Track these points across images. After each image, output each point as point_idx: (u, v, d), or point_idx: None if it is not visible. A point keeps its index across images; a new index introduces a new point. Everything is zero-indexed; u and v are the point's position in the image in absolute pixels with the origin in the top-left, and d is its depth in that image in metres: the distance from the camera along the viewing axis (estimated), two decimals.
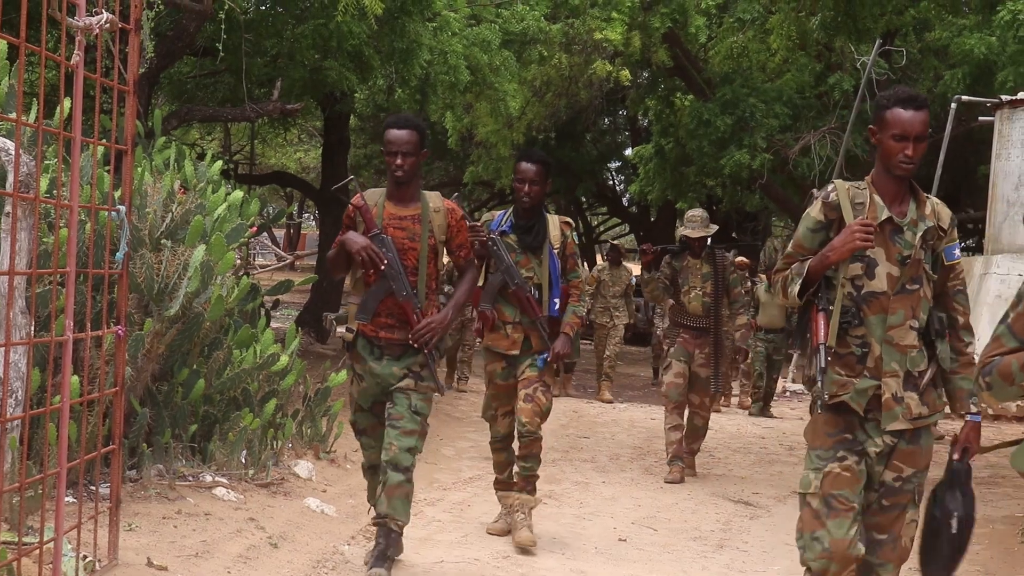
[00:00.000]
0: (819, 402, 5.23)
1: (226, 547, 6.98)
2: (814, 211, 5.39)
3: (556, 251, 8.21)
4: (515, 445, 8.56)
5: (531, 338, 8.18)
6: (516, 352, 8.22)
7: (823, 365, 5.17)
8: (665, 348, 11.93)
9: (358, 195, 6.95)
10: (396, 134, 6.87)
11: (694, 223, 11.60)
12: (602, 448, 13.06)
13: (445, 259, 7.78)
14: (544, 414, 8.17)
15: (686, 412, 11.66)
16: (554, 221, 8.34)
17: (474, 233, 7.81)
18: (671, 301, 11.66)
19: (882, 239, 5.27)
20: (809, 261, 5.30)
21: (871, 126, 5.37)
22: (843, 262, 5.25)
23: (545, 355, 8.15)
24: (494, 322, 8.20)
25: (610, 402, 17.98)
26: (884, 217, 5.29)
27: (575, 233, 8.52)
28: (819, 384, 5.15)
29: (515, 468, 8.61)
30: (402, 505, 6.94)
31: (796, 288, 5.30)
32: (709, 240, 11.92)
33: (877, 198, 5.32)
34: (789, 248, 5.49)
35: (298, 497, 8.56)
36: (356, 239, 6.83)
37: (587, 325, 17.50)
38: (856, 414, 5.29)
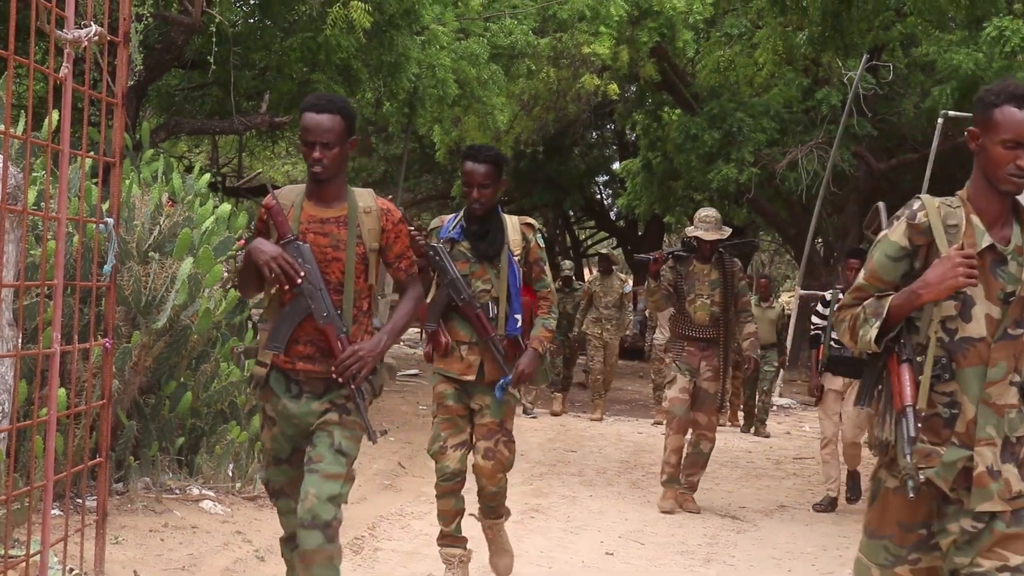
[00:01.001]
0: (910, 483, 4.16)
1: (213, 560, 6.97)
2: (895, 235, 4.34)
3: (517, 258, 7.04)
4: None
5: (485, 362, 7.00)
6: (471, 378, 7.02)
7: (912, 434, 4.13)
8: (668, 361, 10.96)
9: (269, 195, 5.55)
10: (314, 119, 5.31)
11: (707, 224, 10.54)
12: (589, 462, 13.06)
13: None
14: (507, 468, 7.20)
15: (688, 434, 10.68)
16: (513, 224, 7.15)
17: (413, 241, 6.44)
18: (670, 310, 10.74)
19: (982, 272, 4.20)
20: (890, 299, 4.27)
21: (970, 128, 4.35)
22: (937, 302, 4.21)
23: (504, 380, 6.96)
24: (447, 346, 7.02)
25: (599, 420, 17.22)
26: (985, 244, 4.23)
27: (540, 235, 7.18)
28: (907, 458, 4.13)
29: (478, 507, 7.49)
30: None
31: (872, 332, 4.27)
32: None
33: (975, 219, 4.26)
34: (860, 279, 4.43)
35: None
36: (264, 248, 5.35)
37: (579, 339, 17.57)
38: (937, 494, 4.26)
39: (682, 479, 10.73)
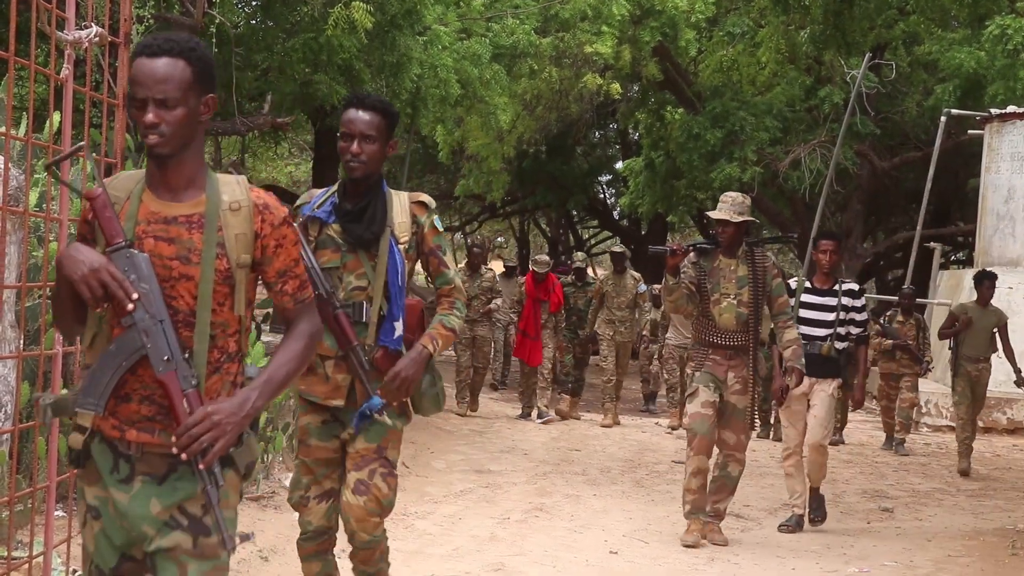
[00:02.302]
0: None
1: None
2: None
3: (403, 247, 5.38)
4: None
5: (358, 382, 5.33)
6: (340, 402, 5.38)
7: None
8: (690, 371, 9.45)
9: (96, 183, 3.86)
10: (147, 66, 3.64)
11: (722, 203, 9.11)
12: (593, 461, 13.06)
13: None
14: (385, 509, 5.40)
15: (714, 456, 9.33)
16: (401, 202, 5.47)
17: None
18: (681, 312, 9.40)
19: None
20: None
21: None
22: None
23: (370, 404, 5.24)
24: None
25: (609, 427, 16.26)
26: None
27: (436, 217, 5.50)
28: None
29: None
30: None
31: None
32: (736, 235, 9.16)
33: None
34: None
35: (289, 510, 8.50)
36: (81, 258, 3.63)
37: (591, 340, 17.03)
38: None
39: (708, 507, 9.24)
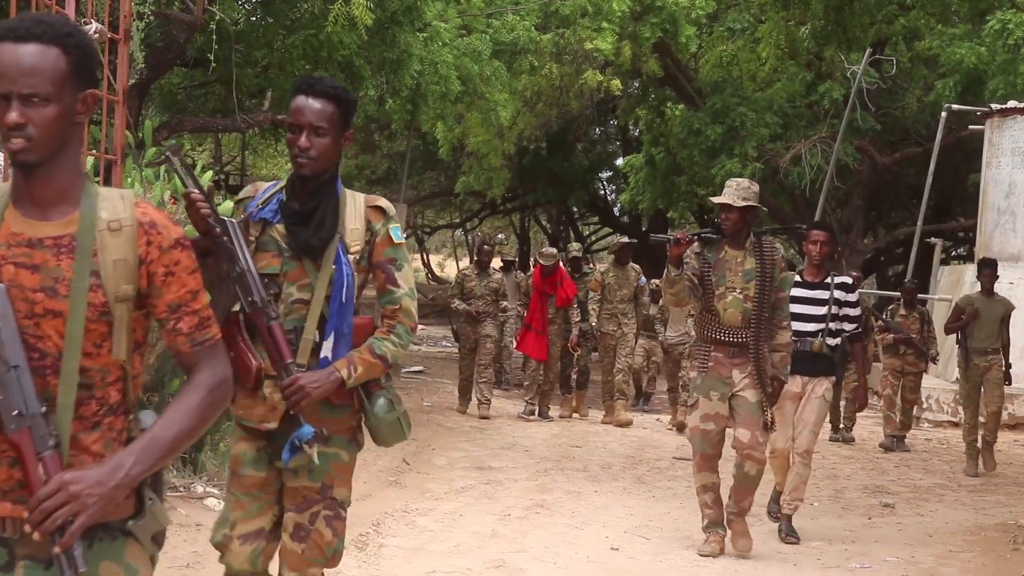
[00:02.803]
0: None
1: (217, 558, 6.95)
2: None
3: (354, 257, 4.65)
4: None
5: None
6: (273, 424, 4.63)
7: None
8: (693, 375, 8.74)
9: None
10: (12, 53, 2.89)
11: (726, 188, 8.52)
12: (594, 457, 13.05)
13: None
14: (330, 558, 4.70)
15: (719, 460, 8.80)
16: (356, 205, 4.73)
17: (192, 209, 4.48)
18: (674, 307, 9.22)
19: None
20: None
21: None
22: None
23: (303, 432, 4.43)
24: (259, 374, 4.50)
25: (628, 424, 15.72)
26: None
27: (395, 227, 4.73)
28: None
29: None
30: None
31: None
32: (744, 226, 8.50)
33: None
34: None
35: None
36: None
37: (594, 337, 16.31)
38: None
39: (728, 508, 8.79)
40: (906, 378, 14.99)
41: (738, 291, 8.38)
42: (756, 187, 8.63)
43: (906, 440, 14.93)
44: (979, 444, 13.04)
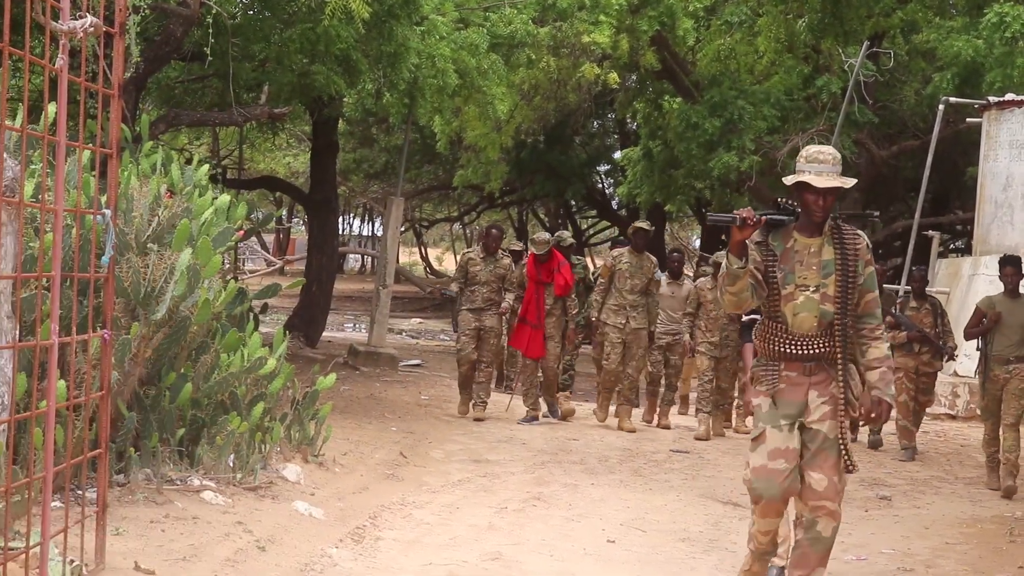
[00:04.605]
0: None
1: (214, 551, 6.97)
2: None
3: None
4: None
5: None
6: None
7: None
8: (753, 402, 6.86)
9: None
10: None
11: (823, 164, 6.49)
12: (591, 450, 13.05)
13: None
14: None
15: (790, 514, 7.12)
16: None
17: None
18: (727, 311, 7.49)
19: None
20: None
21: None
22: None
23: None
24: None
25: (632, 431, 14.48)
26: None
27: None
28: None
29: None
30: None
31: None
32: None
33: None
34: None
35: (286, 500, 8.55)
36: None
37: (586, 326, 15.47)
38: None
39: None
40: (920, 379, 13.71)
41: (813, 289, 6.55)
42: (839, 154, 6.69)
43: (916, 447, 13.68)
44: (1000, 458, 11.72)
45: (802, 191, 6.50)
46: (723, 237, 29.43)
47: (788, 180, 6.57)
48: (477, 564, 7.74)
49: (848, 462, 6.57)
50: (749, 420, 15.85)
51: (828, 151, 6.57)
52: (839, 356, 6.56)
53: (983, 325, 11.82)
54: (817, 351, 6.56)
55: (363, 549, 7.87)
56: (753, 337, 6.86)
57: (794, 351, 6.58)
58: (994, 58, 19.62)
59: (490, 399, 15.21)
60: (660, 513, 9.93)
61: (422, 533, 8.55)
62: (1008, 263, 12.05)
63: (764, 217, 6.50)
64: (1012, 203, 18.14)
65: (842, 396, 6.53)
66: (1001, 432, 11.68)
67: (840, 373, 6.56)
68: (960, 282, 17.97)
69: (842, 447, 6.56)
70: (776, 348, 6.62)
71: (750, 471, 6.67)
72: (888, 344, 6.79)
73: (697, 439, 14.08)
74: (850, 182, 6.48)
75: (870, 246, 6.68)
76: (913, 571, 8.36)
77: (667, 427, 15.03)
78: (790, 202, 6.62)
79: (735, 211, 6.40)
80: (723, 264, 6.54)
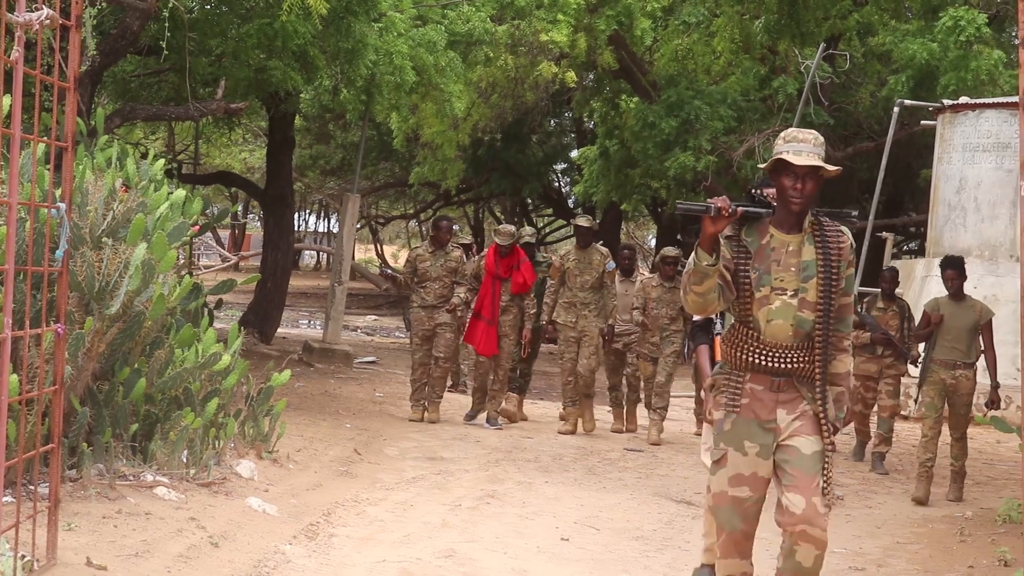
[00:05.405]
0: None
1: (166, 546, 6.94)
2: None
3: None
4: None
5: None
6: None
7: None
8: (712, 416, 5.96)
9: None
10: None
11: (798, 143, 5.65)
12: (545, 448, 13.07)
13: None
14: None
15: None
16: None
17: None
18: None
19: None
20: None
21: None
22: None
23: None
24: None
25: (571, 432, 14.16)
26: None
27: None
28: None
29: None
30: None
31: None
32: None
33: None
34: None
35: (240, 497, 8.53)
36: None
37: (544, 334, 14.93)
38: None
39: None
40: (883, 382, 13.20)
41: (791, 293, 5.70)
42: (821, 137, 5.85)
43: (884, 461, 12.94)
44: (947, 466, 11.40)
45: (779, 176, 5.68)
46: (678, 236, 29.56)
47: (764, 165, 5.75)
48: (431, 561, 7.74)
49: (827, 491, 5.68)
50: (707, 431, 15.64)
51: (809, 132, 5.75)
52: (817, 373, 5.72)
53: (929, 328, 11.46)
54: (790, 365, 5.70)
55: (317, 546, 7.86)
56: (721, 340, 5.96)
57: (764, 363, 5.72)
58: (948, 61, 19.78)
59: (442, 398, 14.58)
60: (614, 511, 9.95)
61: (376, 530, 8.54)
62: (950, 265, 11.60)
63: (740, 208, 5.65)
64: (965, 205, 18.27)
65: (822, 414, 5.71)
66: (949, 441, 11.33)
67: (817, 393, 5.72)
68: (913, 284, 18.08)
69: (824, 472, 5.68)
70: (743, 357, 5.76)
71: (711, 497, 5.96)
72: (851, 358, 5.96)
73: (651, 443, 13.80)
74: (832, 168, 5.66)
75: (853, 246, 5.87)
76: (864, 570, 8.42)
77: (633, 430, 14.64)
78: (764, 193, 5.86)
79: (709, 200, 5.53)
80: (690, 260, 5.61)
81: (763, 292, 5.69)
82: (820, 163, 5.60)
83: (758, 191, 5.86)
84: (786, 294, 5.68)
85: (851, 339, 5.94)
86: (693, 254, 5.56)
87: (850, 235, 5.84)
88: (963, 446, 11.35)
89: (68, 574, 6.04)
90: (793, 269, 5.69)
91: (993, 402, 11.21)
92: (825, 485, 5.67)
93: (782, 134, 5.79)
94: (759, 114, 23.61)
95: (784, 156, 5.59)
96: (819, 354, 5.69)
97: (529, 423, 14.92)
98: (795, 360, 5.69)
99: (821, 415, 5.70)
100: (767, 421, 5.73)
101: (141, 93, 17.04)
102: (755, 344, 5.71)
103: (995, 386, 11.20)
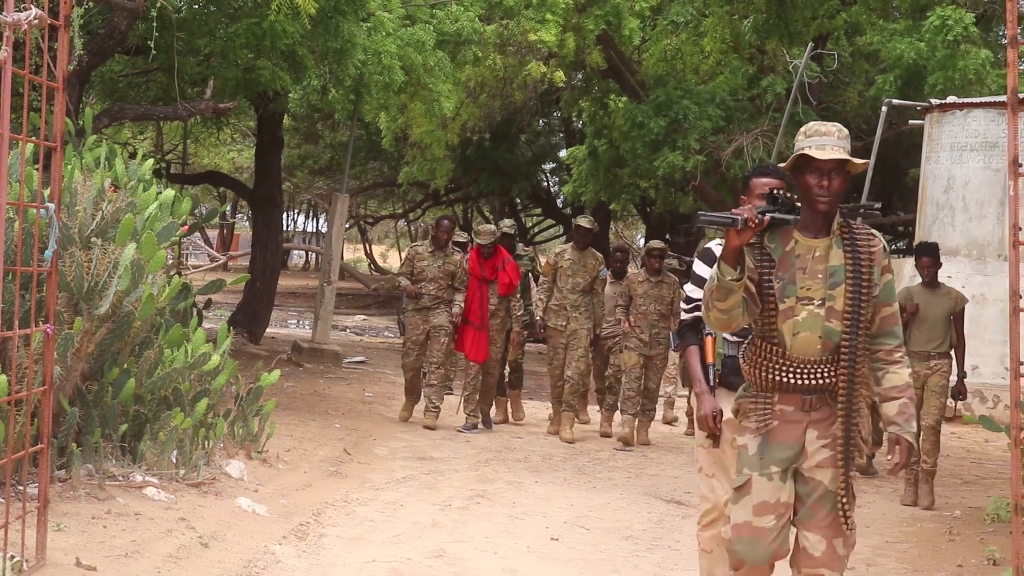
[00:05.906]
0: None
1: (156, 547, 6.94)
2: None
3: None
4: None
5: None
6: None
7: None
8: (735, 442, 5.59)
9: None
10: None
11: (821, 136, 5.21)
12: (535, 448, 13.07)
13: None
14: None
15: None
16: None
17: None
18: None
19: None
20: None
21: None
22: None
23: None
24: None
25: (572, 441, 13.60)
26: None
27: None
28: None
29: None
30: None
31: None
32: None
33: None
34: None
35: (229, 497, 8.52)
36: None
37: (535, 329, 14.38)
38: None
39: None
40: None
41: (818, 303, 5.23)
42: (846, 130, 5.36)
43: (874, 461, 12.60)
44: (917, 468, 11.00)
45: (802, 174, 5.21)
46: (667, 236, 29.57)
47: (786, 164, 5.28)
48: (421, 561, 7.75)
49: (846, 523, 5.27)
50: (679, 414, 15.52)
51: (833, 124, 5.30)
52: (846, 387, 5.24)
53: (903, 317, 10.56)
54: (820, 380, 5.24)
55: (306, 546, 7.86)
56: (741, 360, 5.46)
57: (792, 380, 5.26)
58: (936, 61, 19.79)
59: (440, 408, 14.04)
60: (603, 511, 9.96)
61: (366, 530, 8.54)
62: (925, 252, 11.29)
63: (768, 216, 5.15)
64: (953, 205, 18.30)
65: (846, 438, 5.28)
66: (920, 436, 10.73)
67: (847, 410, 5.26)
68: (901, 283, 18.10)
69: (842, 503, 5.26)
70: (769, 376, 5.29)
71: (731, 528, 5.37)
72: (909, 370, 5.43)
73: (620, 440, 13.58)
74: (860, 161, 5.18)
75: (887, 249, 5.37)
76: (854, 569, 8.41)
77: (607, 435, 14.16)
78: (788, 194, 5.28)
79: (734, 210, 5.08)
80: (712, 275, 5.14)
81: (788, 303, 5.22)
82: (847, 156, 5.15)
83: (779, 191, 5.27)
84: (813, 303, 5.21)
85: (905, 357, 5.42)
86: (715, 268, 5.11)
87: (882, 238, 5.36)
88: (935, 441, 10.98)
89: (57, 574, 6.04)
90: (820, 276, 5.22)
91: (960, 392, 11.00)
92: (843, 515, 5.26)
93: (803, 128, 5.33)
94: (747, 114, 23.59)
95: (807, 151, 5.14)
96: (847, 368, 5.21)
97: (518, 426, 14.90)
98: (824, 374, 5.23)
99: (845, 436, 5.27)
100: (796, 444, 5.30)
101: (129, 93, 17.00)
102: (781, 361, 5.26)
103: (962, 376, 11.00)
